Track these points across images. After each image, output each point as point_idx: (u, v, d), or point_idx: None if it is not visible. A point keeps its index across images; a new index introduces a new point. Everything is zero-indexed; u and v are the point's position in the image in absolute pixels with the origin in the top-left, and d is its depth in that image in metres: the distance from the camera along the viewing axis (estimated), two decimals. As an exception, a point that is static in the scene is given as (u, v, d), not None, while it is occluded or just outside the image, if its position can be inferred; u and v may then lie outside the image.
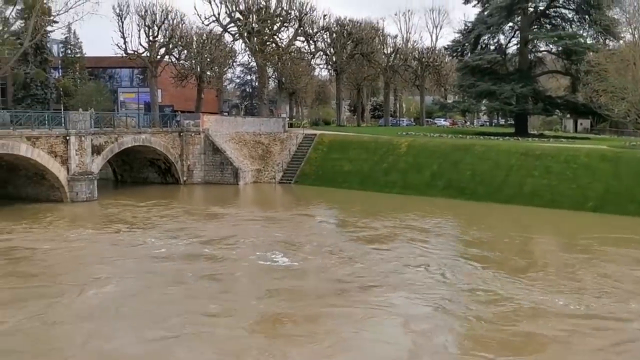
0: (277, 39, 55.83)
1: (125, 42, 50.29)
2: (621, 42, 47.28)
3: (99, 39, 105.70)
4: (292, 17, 54.01)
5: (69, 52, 63.97)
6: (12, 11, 43.37)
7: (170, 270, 19.37)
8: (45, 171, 31.69)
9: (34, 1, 41.67)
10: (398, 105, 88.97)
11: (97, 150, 34.80)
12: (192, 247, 22.47)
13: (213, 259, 20.92)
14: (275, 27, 54.28)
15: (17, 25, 49.01)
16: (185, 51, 54.59)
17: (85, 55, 65.06)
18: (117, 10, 49.94)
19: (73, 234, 24.83)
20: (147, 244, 23.03)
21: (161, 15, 50.18)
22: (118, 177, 43.78)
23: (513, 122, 60.53)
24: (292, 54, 59.68)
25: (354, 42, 61.40)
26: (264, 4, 52.13)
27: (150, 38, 50.12)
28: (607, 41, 50.41)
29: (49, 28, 51.44)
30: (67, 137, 32.46)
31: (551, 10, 52.94)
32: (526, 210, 31.87)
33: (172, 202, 34.39)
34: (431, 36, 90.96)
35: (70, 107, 47.36)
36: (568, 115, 69.64)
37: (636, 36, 39.68)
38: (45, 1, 43.35)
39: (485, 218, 29.98)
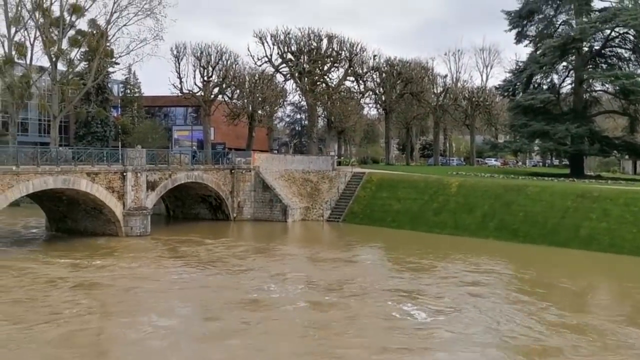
0: (328, 79, 56.80)
1: (181, 82, 52.17)
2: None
3: (156, 78, 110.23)
4: (342, 57, 54.94)
5: (128, 91, 66.80)
6: (77, 53, 45.78)
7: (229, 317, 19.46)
8: (103, 206, 32.75)
9: (97, 44, 43.89)
10: (448, 145, 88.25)
11: (151, 186, 35.79)
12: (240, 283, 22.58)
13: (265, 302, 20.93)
14: (325, 68, 55.28)
15: (81, 66, 51.66)
16: (238, 90, 56.02)
17: (143, 95, 67.78)
18: (175, 52, 51.99)
19: (132, 266, 25.50)
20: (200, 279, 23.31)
21: (216, 56, 51.89)
22: (170, 213, 44.78)
23: (568, 162, 58.98)
24: (342, 93, 60.39)
25: (404, 82, 61.69)
26: (316, 45, 53.31)
27: (205, 78, 51.78)
28: (666, 81, 48.83)
29: (110, 69, 53.98)
30: (124, 173, 33.57)
31: (607, 49, 51.96)
32: (583, 254, 30.67)
33: (224, 238, 34.85)
34: (481, 76, 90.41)
35: (127, 144, 49.17)
36: (627, 157, 67.28)
37: (698, 76, 38.38)
38: (108, 44, 45.58)
39: (541, 263, 28.90)
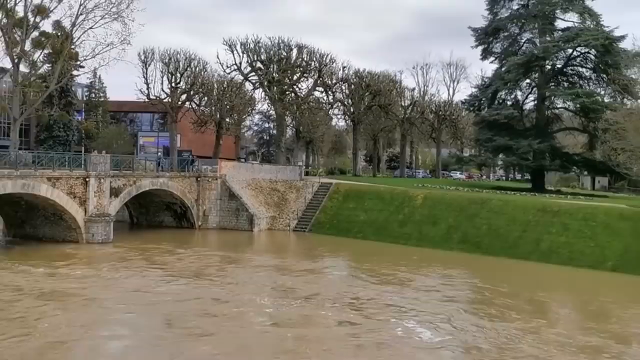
0: (297, 89, 56.97)
1: (148, 88, 51.58)
2: (639, 101, 47.41)
3: (122, 83, 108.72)
4: (312, 68, 55.22)
5: (93, 95, 65.65)
6: (40, 55, 44.78)
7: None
8: (63, 212, 31.97)
9: (62, 46, 42.99)
10: (414, 157, 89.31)
11: (115, 192, 35.14)
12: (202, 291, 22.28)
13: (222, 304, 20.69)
14: (295, 77, 55.45)
15: (44, 68, 50.51)
16: (206, 98, 55.69)
17: (108, 100, 66.69)
18: (142, 57, 51.41)
19: (91, 274, 24.88)
20: (156, 288, 22.90)
21: (184, 63, 51.52)
22: (134, 220, 44.00)
23: (530, 177, 60.27)
24: (311, 103, 60.65)
25: (372, 94, 62.30)
26: (285, 54, 53.47)
27: (173, 84, 51.33)
28: (625, 100, 50.57)
29: (74, 72, 52.96)
30: (87, 179, 32.87)
31: (568, 68, 53.45)
32: (543, 267, 31.33)
33: (187, 246, 34.37)
34: (448, 90, 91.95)
35: (91, 150, 48.15)
36: (585, 173, 69.21)
37: (654, 96, 39.86)
38: (73, 47, 44.70)
39: (501, 274, 29.46)
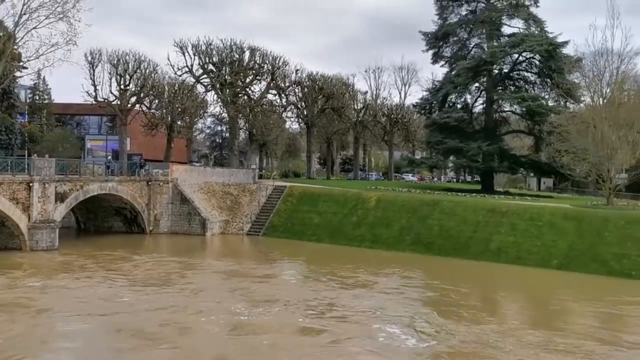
0: (250, 92, 56.55)
1: (95, 90, 50.13)
2: (582, 105, 49.25)
3: (68, 85, 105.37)
4: (264, 70, 54.93)
5: (37, 98, 63.38)
6: (-20, 55, 42.80)
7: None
8: (5, 218, 30.71)
9: (4, 46, 41.31)
10: (367, 160, 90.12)
11: (60, 197, 33.98)
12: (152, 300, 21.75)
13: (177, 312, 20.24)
14: (247, 80, 55.05)
15: (-15, 69, 48.40)
16: (157, 100, 54.60)
17: (54, 102, 64.52)
18: (89, 58, 49.96)
19: (34, 283, 23.92)
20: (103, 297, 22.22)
21: (134, 65, 50.34)
22: (81, 226, 42.70)
23: (479, 179, 61.74)
24: (264, 106, 60.33)
25: (325, 97, 62.53)
26: (238, 57, 52.99)
27: (122, 86, 50.07)
28: (568, 103, 52.41)
29: (17, 74, 50.94)
30: (31, 184, 31.67)
31: (515, 72, 55.10)
32: (493, 266, 32.09)
33: (139, 252, 33.54)
34: (400, 93, 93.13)
35: (35, 154, 46.45)
36: (532, 174, 71.41)
37: (595, 100, 41.39)
38: (15, 47, 43.01)
39: (459, 275, 29.95)
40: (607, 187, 39.55)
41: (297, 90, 62.52)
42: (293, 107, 64.18)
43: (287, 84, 59.69)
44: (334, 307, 21.63)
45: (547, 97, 53.81)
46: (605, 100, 40.34)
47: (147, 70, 51.44)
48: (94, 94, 50.21)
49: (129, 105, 51.25)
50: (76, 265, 28.50)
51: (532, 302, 25.60)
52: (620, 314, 22.63)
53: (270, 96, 59.99)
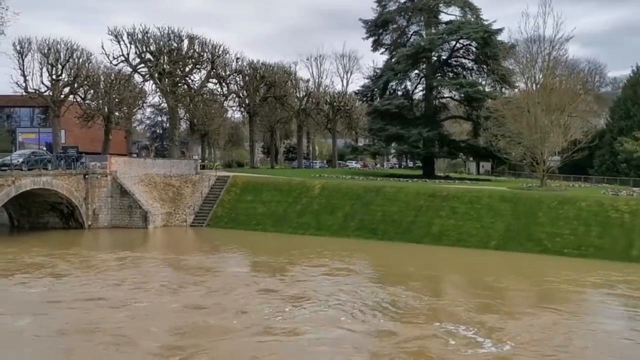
0: (189, 81, 55.44)
1: (25, 80, 48.00)
2: (516, 90, 50.91)
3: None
4: (204, 59, 53.93)
5: (-37, 89, 60.10)
6: None
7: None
8: None
9: None
10: (311, 148, 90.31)
11: (-9, 194, 32.40)
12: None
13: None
14: (187, 69, 53.90)
15: None
16: (92, 91, 52.81)
17: (-19, 93, 61.37)
18: (18, 48, 47.72)
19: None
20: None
21: (65, 54, 48.45)
22: (15, 223, 40.89)
23: (421, 164, 63.01)
24: (205, 95, 59.34)
25: (267, 85, 62.07)
26: (176, 45, 51.77)
27: (54, 77, 48.15)
28: (503, 89, 54.15)
29: (-60, 64, 48.18)
30: (-43, 180, 30.04)
31: (453, 59, 56.36)
32: (434, 249, 32.92)
33: (73, 248, 32.39)
34: (342, 81, 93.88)
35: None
36: (471, 158, 73.63)
37: (529, 85, 42.85)
38: (-64, 35, 40.56)
39: (393, 257, 30.67)
40: (541, 169, 41.15)
41: (238, 79, 61.78)
42: (234, 95, 63.41)
43: (227, 73, 58.86)
44: (289, 293, 21.64)
45: (483, 83, 55.48)
46: (538, 86, 41.82)
47: (81, 60, 49.69)
48: (24, 84, 48.15)
49: (62, 96, 49.39)
50: (6, 263, 27.24)
51: (460, 277, 26.74)
52: (548, 287, 23.87)
53: (210, 85, 59.16)
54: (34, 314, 18.84)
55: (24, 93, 48.86)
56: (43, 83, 48.51)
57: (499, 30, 52.45)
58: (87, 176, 40.58)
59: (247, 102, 62.97)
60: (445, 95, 58.30)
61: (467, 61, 56.73)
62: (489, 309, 19.96)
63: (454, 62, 56.85)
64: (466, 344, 16.22)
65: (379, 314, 19.16)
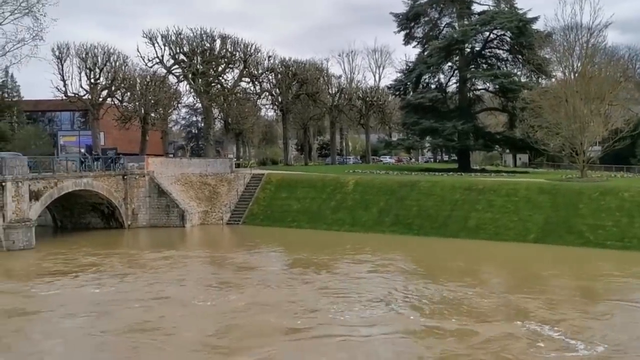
0: (223, 80, 56.04)
1: (65, 85, 49.36)
2: (553, 80, 49.78)
3: (37, 81, 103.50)
4: (236, 58, 54.41)
5: (6, 95, 62.15)
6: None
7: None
8: (-22, 219, 30.13)
9: (-32, 44, 40.39)
10: (344, 144, 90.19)
11: (35, 196, 33.43)
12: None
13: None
14: (220, 69, 54.49)
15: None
16: (129, 93, 53.90)
17: (23, 99, 63.35)
18: (57, 53, 49.06)
19: (14, 284, 23.47)
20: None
21: (103, 58, 49.58)
22: (58, 224, 42.11)
23: (456, 158, 62.26)
24: (238, 94, 59.89)
25: (299, 83, 62.23)
26: (209, 45, 52.39)
27: (92, 80, 49.33)
28: (540, 79, 52.95)
29: (-16, 72, 49.91)
30: (3, 183, 31.08)
31: (486, 50, 55.43)
32: (471, 243, 32.49)
33: (120, 248, 33.20)
34: (374, 76, 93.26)
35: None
36: (507, 151, 72.26)
37: (566, 74, 41.87)
38: (-20, 44, 42.10)
39: (435, 252, 30.40)
40: (581, 160, 40.17)
41: (270, 77, 62.11)
42: (267, 94, 63.81)
43: (260, 71, 59.25)
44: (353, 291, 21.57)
45: (519, 73, 54.39)
46: (576, 74, 40.81)
47: (117, 63, 50.77)
48: (63, 89, 49.49)
49: (101, 99, 50.57)
50: (52, 263, 28.02)
51: (511, 272, 26.07)
52: (612, 280, 23.36)
53: (243, 84, 59.64)
54: (112, 314, 18.90)
55: (64, 97, 50.21)
56: (82, 87, 49.84)
57: (534, 19, 51.35)
58: (125, 177, 41.49)
59: (279, 99, 63.29)
60: (480, 87, 57.43)
61: (501, 52, 55.74)
62: (560, 305, 19.21)
63: (488, 53, 55.91)
64: (557, 346, 15.20)
65: (449, 312, 18.50)
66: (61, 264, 27.95)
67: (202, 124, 69.29)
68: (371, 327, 17.14)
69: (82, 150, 50.65)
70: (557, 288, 22.07)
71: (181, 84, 56.88)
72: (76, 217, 41.59)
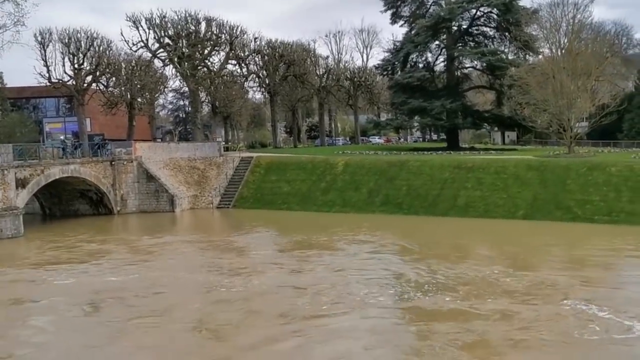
0: (209, 63, 55.49)
1: (48, 71, 48.55)
2: (540, 56, 49.79)
3: (20, 68, 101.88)
4: (222, 40, 53.84)
5: (-12, 83, 61.18)
6: None
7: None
8: (-36, 209, 29.83)
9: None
10: (333, 125, 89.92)
11: (21, 183, 33.10)
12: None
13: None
14: (206, 52, 53.90)
15: None
16: (114, 78, 53.17)
17: (7, 86, 62.41)
18: (39, 39, 48.21)
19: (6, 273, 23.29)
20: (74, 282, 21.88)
21: (86, 42, 48.78)
22: (46, 211, 41.79)
23: (445, 136, 62.30)
24: (225, 77, 59.34)
25: (286, 64, 61.76)
26: (194, 28, 51.75)
27: (76, 66, 48.58)
28: (527, 56, 52.97)
29: (-35, 59, 48.99)
30: (-12, 172, 30.75)
31: (473, 28, 55.22)
32: (461, 221, 32.68)
33: (116, 234, 33.12)
34: (362, 56, 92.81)
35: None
36: (496, 128, 72.45)
37: (554, 51, 41.89)
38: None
39: (434, 231, 30.40)
40: (568, 136, 40.39)
41: (257, 59, 61.57)
42: (254, 76, 63.29)
43: (246, 53, 58.72)
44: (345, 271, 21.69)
45: (506, 50, 54.29)
46: (563, 51, 40.89)
47: (101, 48, 49.96)
48: (47, 75, 48.70)
49: (85, 85, 49.87)
50: (42, 251, 27.91)
51: (499, 247, 26.12)
52: (578, 252, 23.76)
53: (230, 67, 59.15)
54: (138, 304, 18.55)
55: (48, 83, 49.50)
56: (66, 73, 49.06)
57: (521, -4, 51.06)
58: (113, 163, 41.17)
59: (267, 82, 62.83)
60: (467, 66, 57.32)
61: (488, 29, 55.53)
62: (593, 282, 19.09)
63: (475, 31, 55.70)
64: (612, 326, 14.72)
65: (482, 292, 17.97)
66: (54, 251, 27.67)
67: (190, 108, 68.71)
68: (409, 310, 16.65)
69: (62, 137, 49.98)
70: (579, 264, 21.92)
71: (167, 68, 56.25)
72: (64, 205, 41.28)
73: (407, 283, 19.72)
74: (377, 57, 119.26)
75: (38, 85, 52.98)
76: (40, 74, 48.75)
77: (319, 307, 17.29)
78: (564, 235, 27.93)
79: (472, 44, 55.02)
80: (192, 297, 19.00)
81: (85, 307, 18.35)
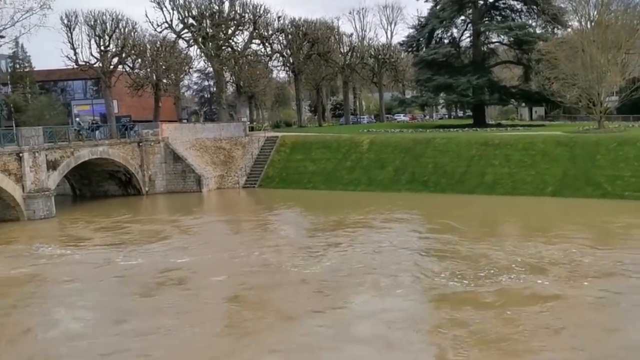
0: (233, 43, 55.56)
1: (75, 54, 49.09)
2: (569, 30, 48.65)
3: (48, 51, 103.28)
4: (246, 20, 53.78)
5: (18, 66, 62.22)
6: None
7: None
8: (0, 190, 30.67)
9: (-23, 16, 40.29)
10: (358, 103, 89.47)
11: (52, 165, 33.85)
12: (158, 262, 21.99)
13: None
14: (229, 31, 53.95)
15: (-39, 41, 47.37)
16: (139, 60, 53.55)
17: (35, 69, 63.41)
18: (65, 21, 48.72)
19: (39, 252, 23.92)
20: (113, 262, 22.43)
21: (112, 24, 49.13)
22: (77, 192, 42.70)
23: (471, 113, 61.52)
24: (249, 57, 59.34)
25: (310, 43, 61.43)
26: (217, 8, 51.78)
27: (102, 48, 49.04)
28: (555, 30, 51.71)
29: (-5, 43, 49.84)
30: (20, 154, 31.46)
31: (500, 2, 54.07)
32: (489, 199, 32.44)
33: (155, 215, 33.80)
34: (386, 33, 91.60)
35: (22, 124, 45.98)
36: (523, 104, 71.26)
37: (583, 24, 40.86)
38: (-11, 15, 41.94)
39: (469, 209, 30.04)
40: (598, 110, 39.53)
41: (281, 38, 61.40)
42: (278, 55, 63.16)
43: (270, 32, 58.55)
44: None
45: (534, 24, 53.13)
46: (592, 23, 39.84)
47: (126, 29, 50.27)
48: (74, 57, 49.24)
49: (112, 67, 50.35)
50: (73, 231, 28.61)
51: (529, 225, 25.76)
52: (609, 229, 23.43)
53: (254, 46, 59.07)
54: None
55: (75, 66, 50.10)
56: (92, 55, 49.57)
57: (550, -33, 49.74)
58: (140, 144, 41.74)
59: (291, 60, 62.65)
60: (494, 41, 56.27)
61: (515, 2, 54.29)
62: None
63: (502, 5, 54.52)
64: None
65: (570, 273, 17.28)
66: (121, 234, 27.44)
67: (214, 89, 69.00)
68: (497, 293, 15.97)
69: (78, 120, 50.64)
70: (629, 243, 21.36)
71: (191, 49, 56.54)
72: (94, 186, 42.10)
73: (491, 264, 18.71)
74: (401, 33, 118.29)
75: (65, 67, 53.68)
76: (67, 56, 49.41)
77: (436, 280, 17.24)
78: (595, 211, 27.44)
79: (498, 18, 53.92)
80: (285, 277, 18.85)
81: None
